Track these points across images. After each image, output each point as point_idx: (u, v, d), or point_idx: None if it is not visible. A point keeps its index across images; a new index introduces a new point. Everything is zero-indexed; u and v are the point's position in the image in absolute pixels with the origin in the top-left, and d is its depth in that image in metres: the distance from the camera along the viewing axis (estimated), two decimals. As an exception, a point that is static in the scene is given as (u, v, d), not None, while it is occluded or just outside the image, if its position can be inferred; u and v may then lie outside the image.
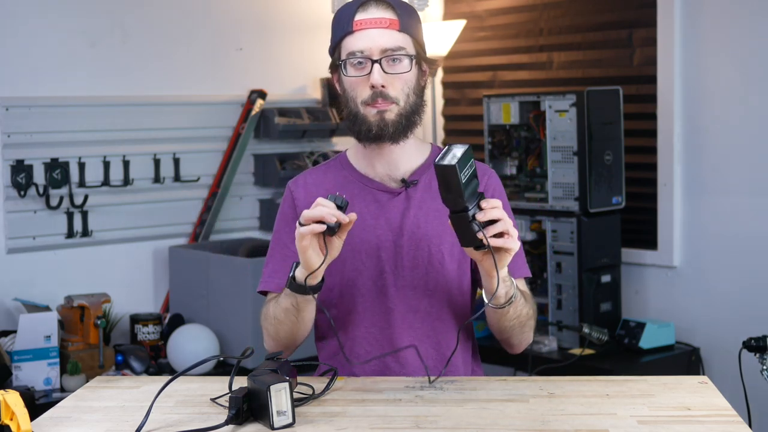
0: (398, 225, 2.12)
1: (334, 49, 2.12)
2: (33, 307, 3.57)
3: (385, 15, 2.06)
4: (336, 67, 2.11)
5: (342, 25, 2.09)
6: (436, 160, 1.77)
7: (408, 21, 2.08)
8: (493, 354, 3.37)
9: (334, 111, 4.32)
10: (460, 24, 4.43)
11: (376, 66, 2.04)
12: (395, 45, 2.05)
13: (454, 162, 1.75)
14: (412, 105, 2.09)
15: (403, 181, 2.14)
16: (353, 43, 2.06)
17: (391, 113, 2.06)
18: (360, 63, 2.06)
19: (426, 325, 2.13)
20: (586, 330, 3.64)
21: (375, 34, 2.05)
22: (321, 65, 4.38)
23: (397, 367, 2.11)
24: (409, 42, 2.08)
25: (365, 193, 2.14)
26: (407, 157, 2.15)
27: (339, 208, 1.89)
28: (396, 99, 2.06)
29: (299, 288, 1.97)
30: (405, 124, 2.09)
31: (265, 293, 2.18)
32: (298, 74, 4.41)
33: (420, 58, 2.11)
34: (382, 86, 2.04)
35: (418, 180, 2.14)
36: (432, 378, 1.99)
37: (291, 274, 1.97)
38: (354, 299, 2.13)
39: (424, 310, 2.12)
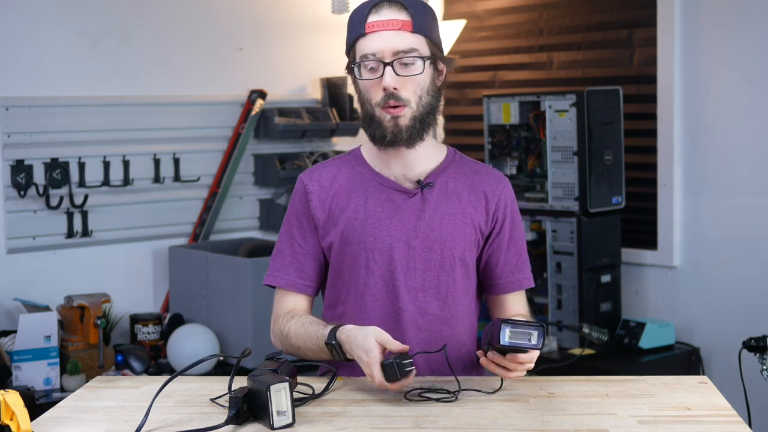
0: (412, 226, 2.11)
1: (349, 50, 2.11)
2: (33, 307, 3.57)
3: (397, 16, 2.05)
4: (351, 69, 2.11)
5: (355, 27, 2.08)
6: (507, 339, 1.86)
7: (422, 21, 2.06)
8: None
9: (334, 111, 4.32)
10: (460, 24, 4.43)
11: (388, 69, 2.03)
12: (407, 47, 2.04)
13: (539, 346, 1.85)
14: (426, 106, 2.09)
15: (418, 182, 2.13)
16: (366, 45, 2.05)
17: (405, 118, 2.06)
18: (373, 65, 2.05)
19: (434, 327, 2.13)
20: (586, 330, 3.64)
21: (387, 36, 2.04)
22: (321, 65, 4.39)
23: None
24: (423, 43, 2.06)
25: (380, 192, 2.14)
26: (423, 158, 2.15)
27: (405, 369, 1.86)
28: (407, 101, 2.06)
29: (337, 355, 1.99)
30: (419, 128, 2.08)
31: (272, 287, 2.18)
32: (298, 74, 4.40)
33: (435, 57, 2.09)
34: (395, 88, 2.04)
35: (434, 182, 2.13)
36: (458, 389, 1.96)
37: (335, 342, 1.97)
38: (364, 298, 2.13)
39: (434, 312, 2.12)
